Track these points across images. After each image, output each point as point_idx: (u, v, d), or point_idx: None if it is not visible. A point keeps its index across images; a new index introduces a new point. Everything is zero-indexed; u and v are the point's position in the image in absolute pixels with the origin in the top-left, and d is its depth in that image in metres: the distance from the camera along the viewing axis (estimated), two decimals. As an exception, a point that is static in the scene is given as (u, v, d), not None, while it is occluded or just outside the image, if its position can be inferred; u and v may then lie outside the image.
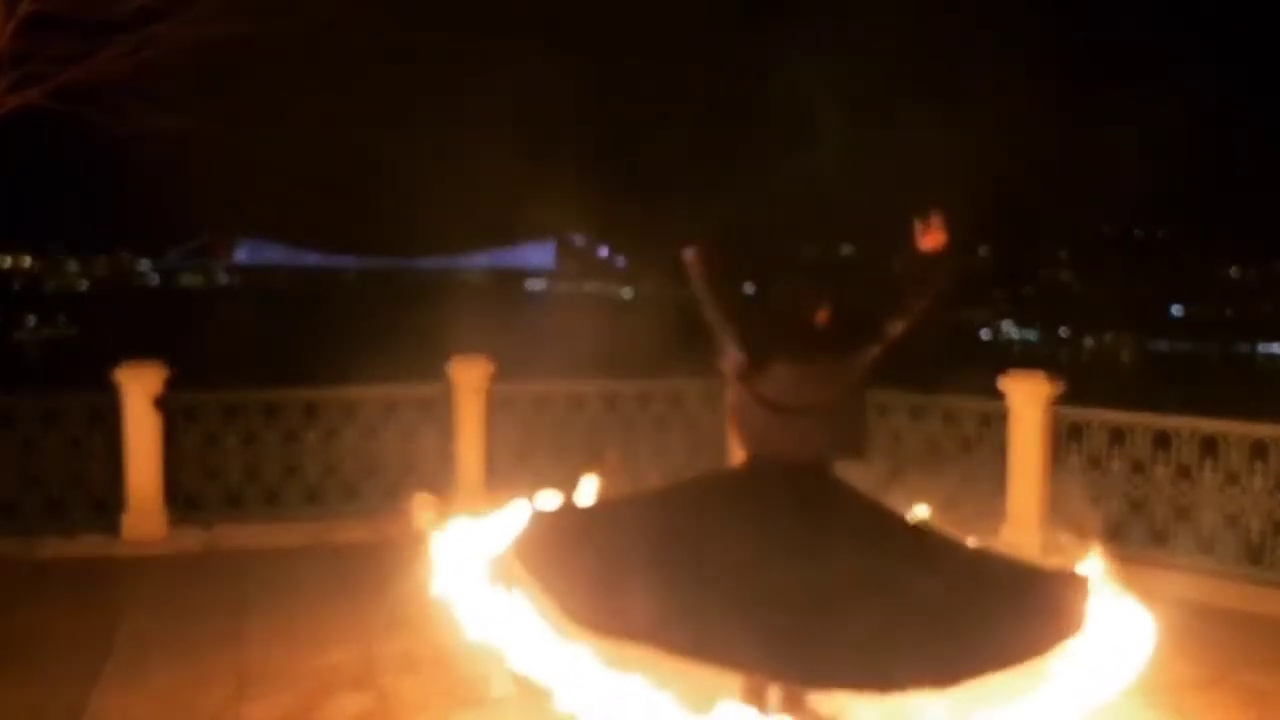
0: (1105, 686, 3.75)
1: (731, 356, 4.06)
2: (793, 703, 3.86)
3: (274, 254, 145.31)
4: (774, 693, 3.87)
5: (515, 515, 4.17)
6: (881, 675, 3.42)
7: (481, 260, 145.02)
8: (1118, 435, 7.32)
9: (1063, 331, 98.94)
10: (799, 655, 3.50)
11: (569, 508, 4.30)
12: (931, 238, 4.09)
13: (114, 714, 4.86)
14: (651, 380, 9.12)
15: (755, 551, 3.71)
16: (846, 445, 4.27)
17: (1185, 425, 7.09)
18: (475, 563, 4.01)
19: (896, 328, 4.10)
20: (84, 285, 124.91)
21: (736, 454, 4.60)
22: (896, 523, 4.19)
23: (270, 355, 32.65)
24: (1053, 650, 3.64)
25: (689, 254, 4.10)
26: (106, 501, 7.73)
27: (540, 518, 4.14)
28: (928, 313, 4.16)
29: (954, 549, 4.14)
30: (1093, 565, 4.07)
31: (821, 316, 4.12)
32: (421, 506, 4.47)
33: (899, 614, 3.56)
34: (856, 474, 4.34)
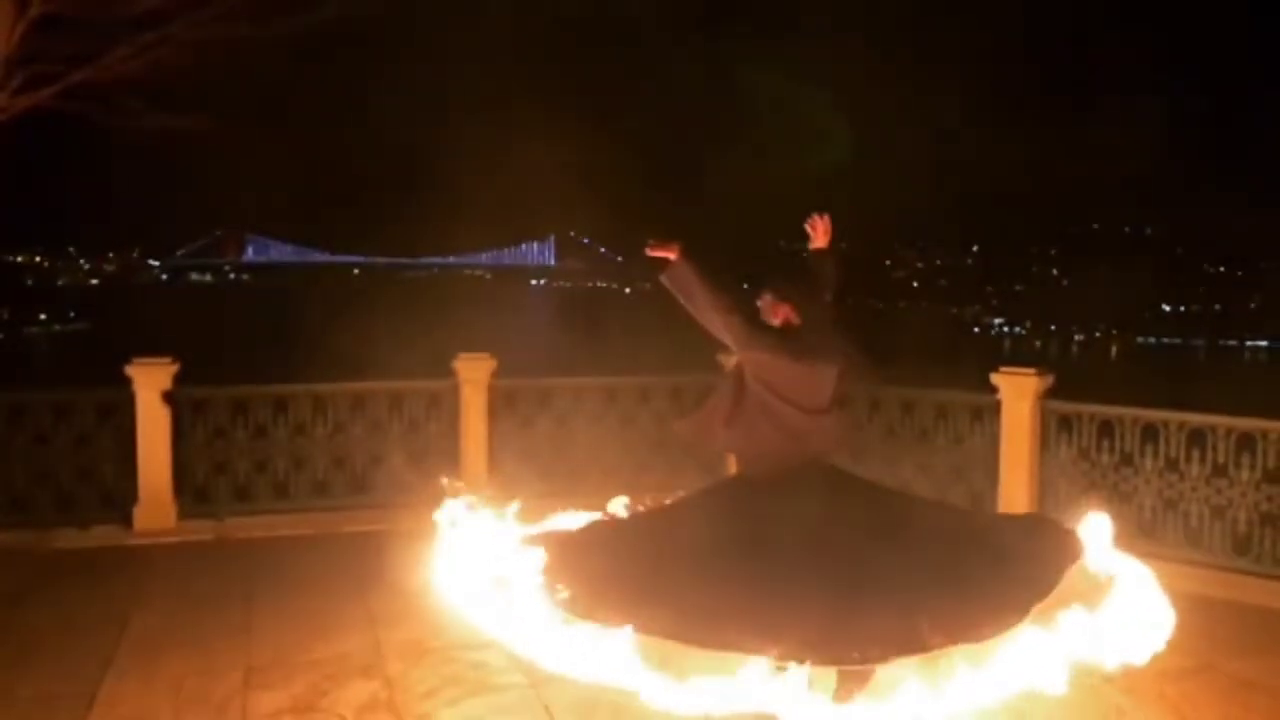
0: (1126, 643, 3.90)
1: (761, 350, 4.12)
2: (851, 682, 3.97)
3: (281, 252, 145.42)
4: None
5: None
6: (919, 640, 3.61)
7: (485, 259, 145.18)
8: (1107, 428, 7.43)
9: (1052, 327, 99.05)
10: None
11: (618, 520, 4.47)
12: (820, 238, 4.40)
13: (125, 702, 4.89)
14: (650, 376, 9.28)
15: (823, 541, 3.88)
16: (842, 439, 4.44)
17: (1173, 418, 7.19)
18: (498, 558, 4.14)
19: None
20: (94, 282, 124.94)
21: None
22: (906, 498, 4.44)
23: (276, 351, 32.65)
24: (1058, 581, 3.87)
25: (671, 250, 4.13)
26: (117, 494, 7.86)
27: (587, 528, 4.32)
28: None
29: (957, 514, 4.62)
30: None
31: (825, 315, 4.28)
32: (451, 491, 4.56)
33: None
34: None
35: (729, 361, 8.79)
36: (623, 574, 3.88)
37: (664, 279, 4.16)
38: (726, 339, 4.18)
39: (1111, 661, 3.94)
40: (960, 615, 3.67)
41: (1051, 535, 4.18)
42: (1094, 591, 4.00)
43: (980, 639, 3.65)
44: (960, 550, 3.96)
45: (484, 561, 4.17)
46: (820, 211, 4.42)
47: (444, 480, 4.63)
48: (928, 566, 3.81)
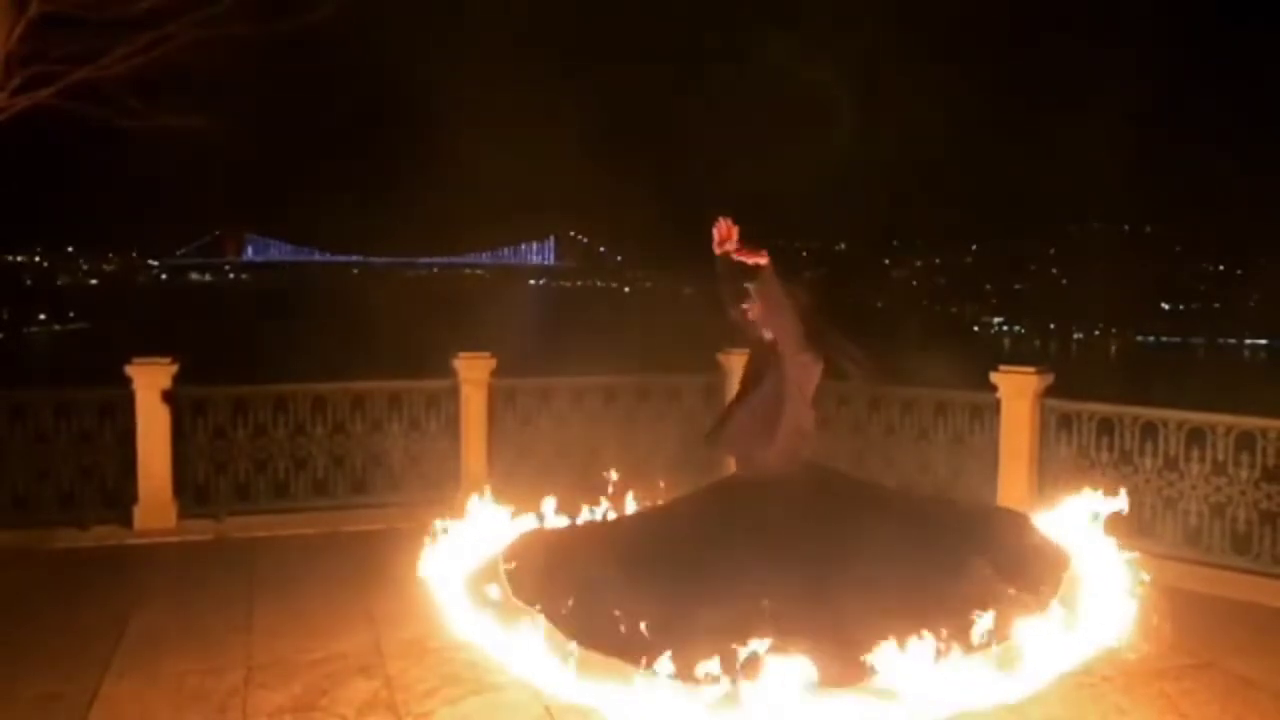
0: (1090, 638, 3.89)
1: (808, 353, 4.16)
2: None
3: (280, 252, 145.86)
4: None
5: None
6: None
7: (485, 258, 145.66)
8: (1106, 426, 7.44)
9: (1052, 326, 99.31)
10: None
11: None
12: (728, 242, 4.25)
13: (126, 701, 4.91)
14: (649, 375, 9.31)
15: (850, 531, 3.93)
16: None
17: (1173, 417, 7.20)
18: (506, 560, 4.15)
19: None
20: (94, 282, 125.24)
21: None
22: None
23: (277, 350, 32.66)
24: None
25: (762, 255, 4.04)
26: (118, 494, 7.88)
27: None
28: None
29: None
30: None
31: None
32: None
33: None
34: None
35: (728, 361, 8.82)
36: (619, 580, 3.86)
37: (752, 286, 4.12)
38: (786, 342, 4.16)
39: (1097, 647, 3.93)
40: (959, 616, 3.67)
41: (1032, 529, 4.21)
42: (1077, 579, 4.02)
43: (981, 643, 3.65)
44: (956, 545, 3.97)
45: (473, 576, 4.19)
46: (724, 217, 4.35)
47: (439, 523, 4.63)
48: (930, 565, 3.82)
